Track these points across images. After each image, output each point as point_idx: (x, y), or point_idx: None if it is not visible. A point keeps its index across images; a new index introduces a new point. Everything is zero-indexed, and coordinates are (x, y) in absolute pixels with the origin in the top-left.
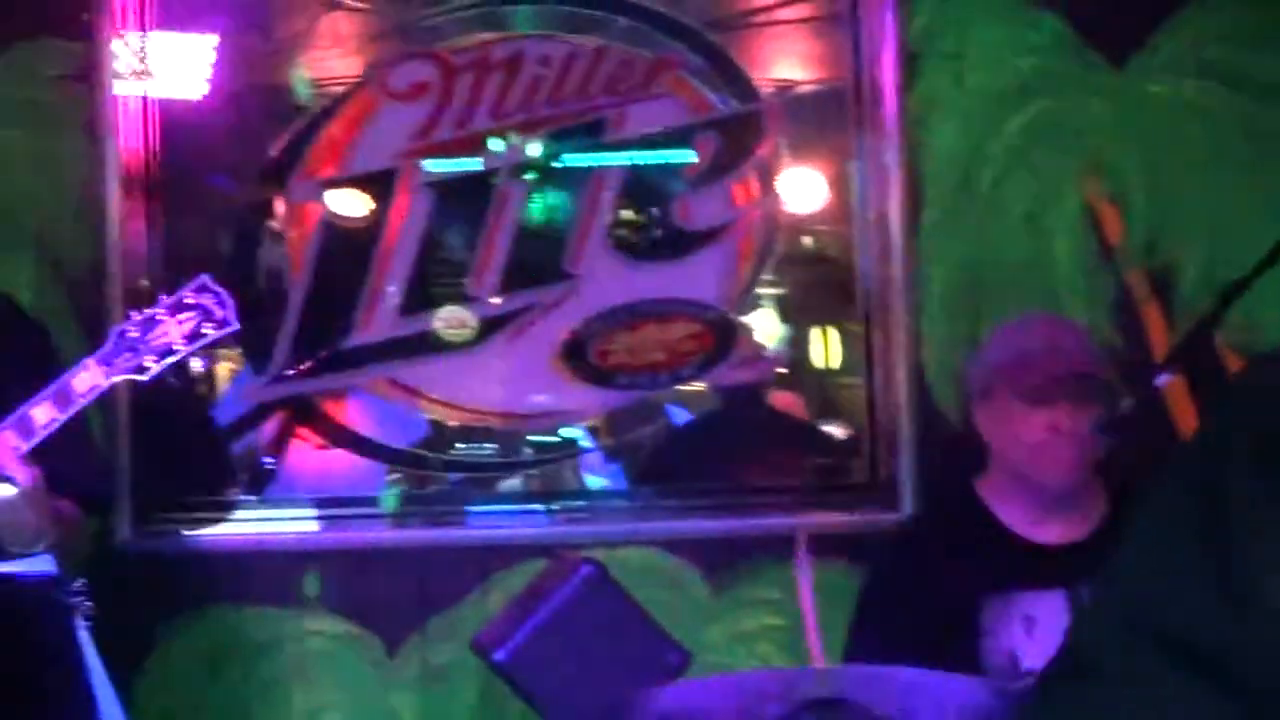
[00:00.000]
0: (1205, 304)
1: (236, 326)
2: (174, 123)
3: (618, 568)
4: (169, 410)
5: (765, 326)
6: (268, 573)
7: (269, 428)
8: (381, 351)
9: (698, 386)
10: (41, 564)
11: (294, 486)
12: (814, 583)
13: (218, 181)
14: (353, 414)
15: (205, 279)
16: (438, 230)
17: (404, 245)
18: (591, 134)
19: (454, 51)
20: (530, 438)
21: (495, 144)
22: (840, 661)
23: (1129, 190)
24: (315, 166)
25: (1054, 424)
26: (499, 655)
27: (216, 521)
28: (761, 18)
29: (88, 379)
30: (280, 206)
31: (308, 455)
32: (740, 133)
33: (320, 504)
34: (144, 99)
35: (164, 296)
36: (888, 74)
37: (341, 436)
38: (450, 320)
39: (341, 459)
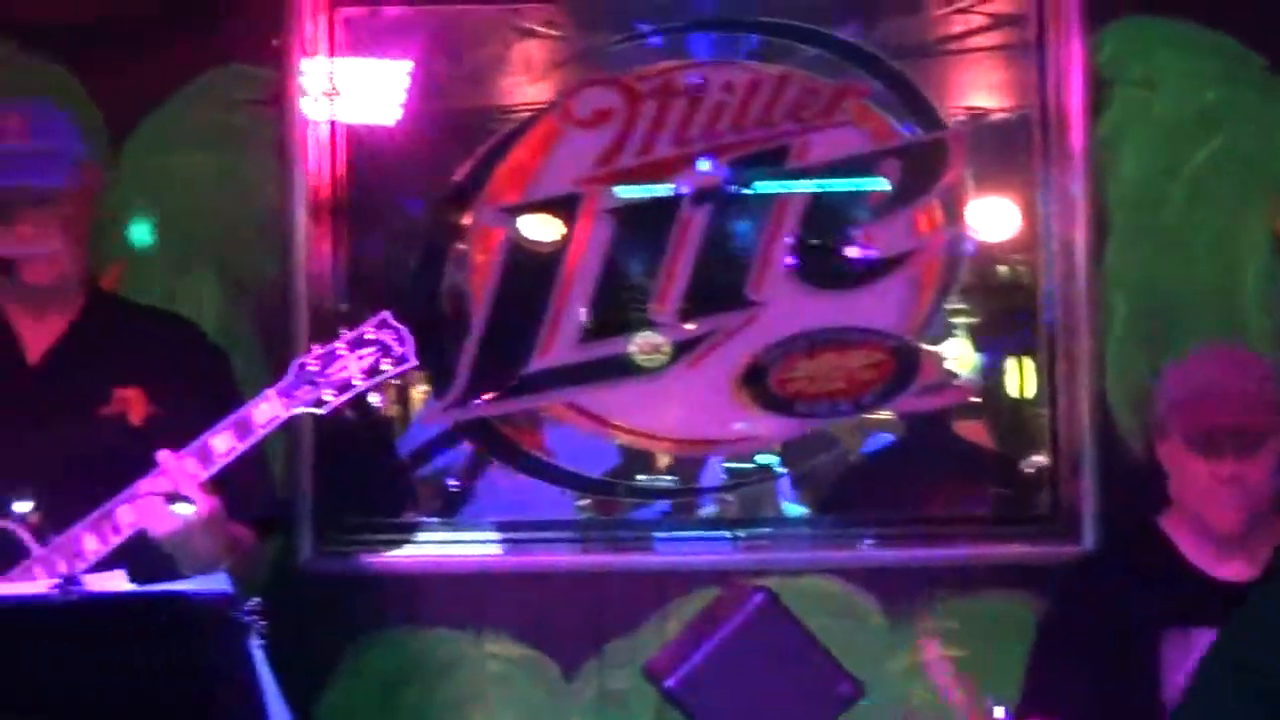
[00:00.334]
0: None
1: (415, 363)
2: (360, 147)
3: (797, 596)
4: (351, 432)
5: (949, 354)
6: (447, 595)
7: (452, 451)
8: (562, 377)
9: (883, 415)
10: (217, 583)
11: (475, 509)
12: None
13: (403, 205)
14: (536, 439)
15: (386, 315)
16: (619, 256)
17: (586, 271)
18: (774, 161)
19: (639, 78)
20: (725, 464)
21: (678, 170)
22: (1016, 694)
23: None
24: (499, 191)
25: (1217, 474)
26: (670, 683)
27: (397, 544)
28: (948, 46)
29: (267, 410)
30: (464, 231)
31: (489, 479)
32: (925, 161)
33: (500, 527)
34: (331, 124)
35: (345, 331)
36: (1074, 102)
37: (525, 461)
38: (644, 345)
39: (523, 483)
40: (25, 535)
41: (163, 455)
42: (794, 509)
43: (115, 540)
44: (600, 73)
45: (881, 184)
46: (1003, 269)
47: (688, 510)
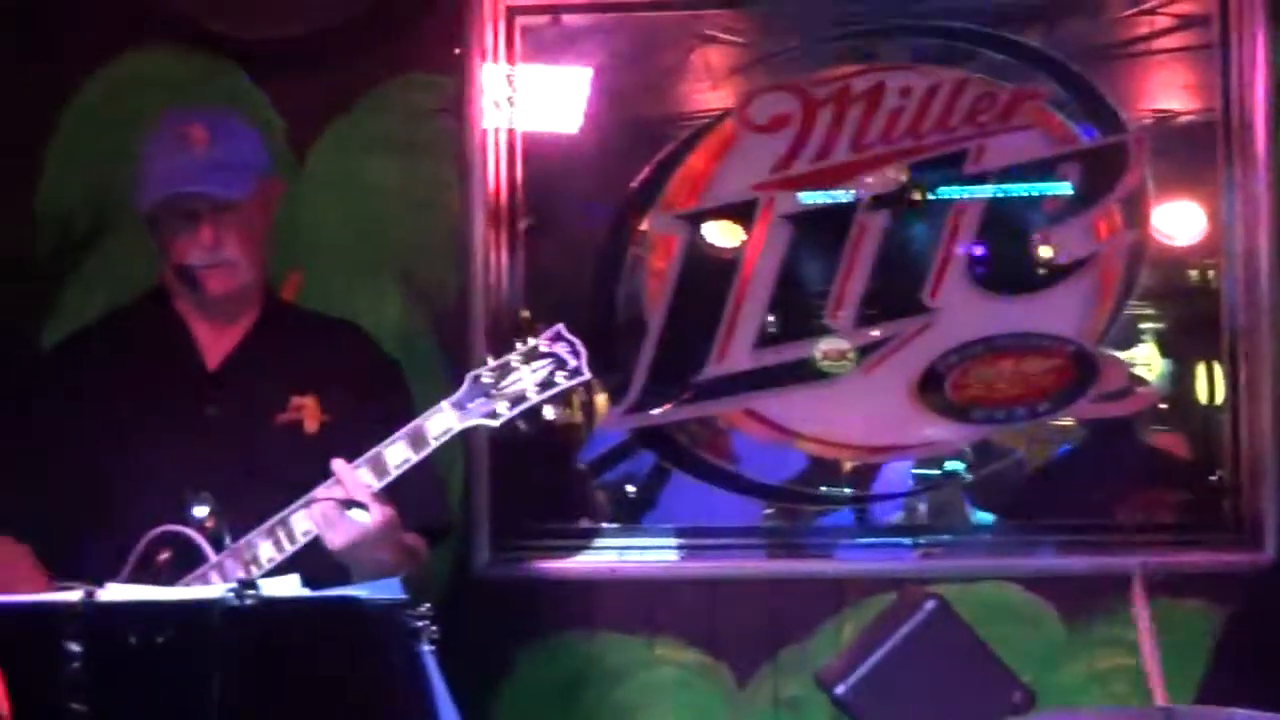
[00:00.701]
0: None
1: (588, 376)
2: (538, 154)
3: (974, 603)
4: (528, 440)
5: (1131, 360)
6: (623, 601)
7: (632, 458)
8: (738, 384)
9: (1066, 421)
10: (389, 589)
11: (656, 517)
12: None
13: (581, 213)
14: (714, 446)
15: (560, 328)
16: (795, 262)
17: (762, 277)
18: (952, 166)
19: (815, 84)
20: (913, 471)
21: (855, 176)
22: (1193, 701)
23: None
24: (676, 198)
25: None
26: (840, 690)
27: (573, 550)
28: (1130, 49)
29: (441, 422)
30: (641, 238)
31: (671, 486)
32: (1105, 164)
33: (679, 534)
34: (510, 132)
35: (519, 344)
36: (1259, 104)
37: (703, 468)
38: (829, 351)
39: (706, 490)
40: (203, 542)
41: (338, 464)
42: (979, 516)
43: (291, 548)
44: (778, 78)
45: (1061, 188)
46: (1188, 273)
47: (868, 517)
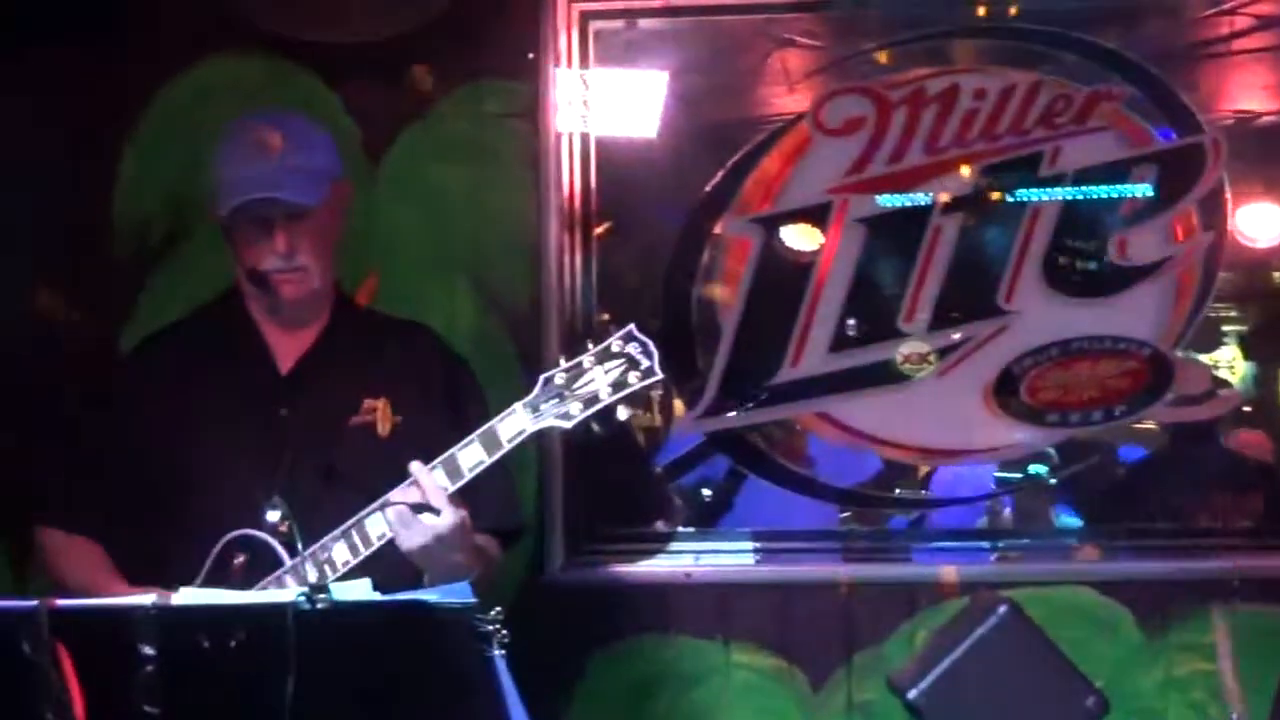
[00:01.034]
0: None
1: (660, 376)
2: (612, 159)
3: (1049, 607)
4: (604, 444)
5: (1213, 363)
6: (697, 605)
7: (707, 462)
8: (812, 387)
9: (1146, 424)
10: (460, 593)
11: (732, 520)
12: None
13: (654, 217)
14: (788, 449)
15: (631, 328)
16: (869, 265)
17: (835, 280)
18: (1026, 168)
19: (889, 86)
20: (996, 474)
21: (929, 179)
22: (1271, 708)
23: None
24: (749, 202)
25: None
26: (912, 694)
27: (648, 553)
28: (1208, 50)
29: (514, 424)
30: (714, 241)
31: (747, 490)
32: (1182, 166)
33: (755, 537)
34: (584, 136)
35: (591, 345)
36: None
37: (777, 472)
38: (910, 355)
39: (782, 493)
40: (277, 545)
41: (414, 466)
42: (1060, 519)
43: (366, 551)
44: (852, 81)
45: (1137, 190)
46: (1265, 276)
47: (943, 521)
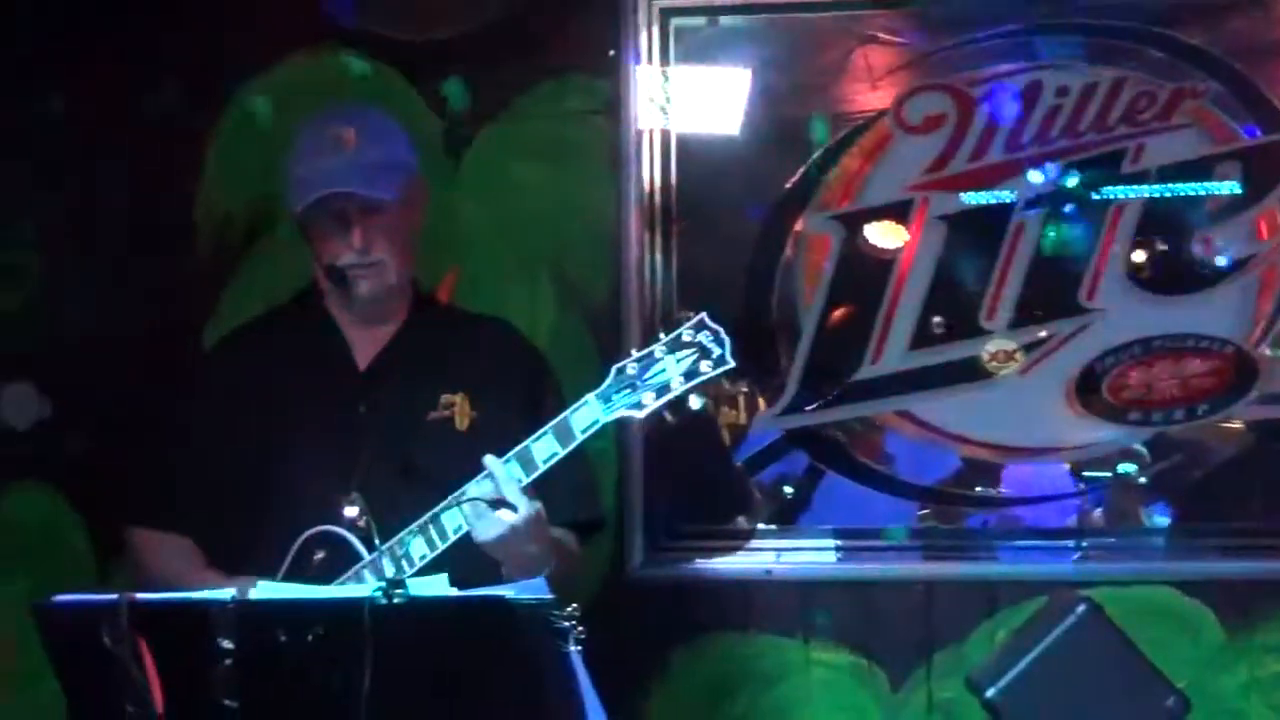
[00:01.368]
0: None
1: (733, 365)
2: (692, 155)
3: (1131, 606)
4: (681, 438)
5: None
6: (778, 602)
7: (787, 458)
8: (892, 384)
9: (1235, 424)
10: (536, 588)
11: (812, 517)
12: None
13: (735, 213)
14: (869, 447)
15: (703, 316)
16: (951, 263)
17: (916, 278)
18: (1109, 165)
19: (970, 83)
20: (1084, 473)
21: (1010, 176)
22: None
23: None
24: (829, 198)
25: None
26: (990, 693)
27: (727, 550)
28: None
29: (587, 415)
30: (795, 238)
31: (827, 486)
32: (1266, 163)
33: (836, 535)
34: (664, 132)
35: (662, 334)
36: None
37: (858, 469)
38: (997, 353)
39: (863, 491)
40: (356, 541)
41: (489, 460)
42: (1152, 519)
43: (443, 545)
44: (933, 78)
45: (1221, 188)
46: None
47: (1025, 519)
